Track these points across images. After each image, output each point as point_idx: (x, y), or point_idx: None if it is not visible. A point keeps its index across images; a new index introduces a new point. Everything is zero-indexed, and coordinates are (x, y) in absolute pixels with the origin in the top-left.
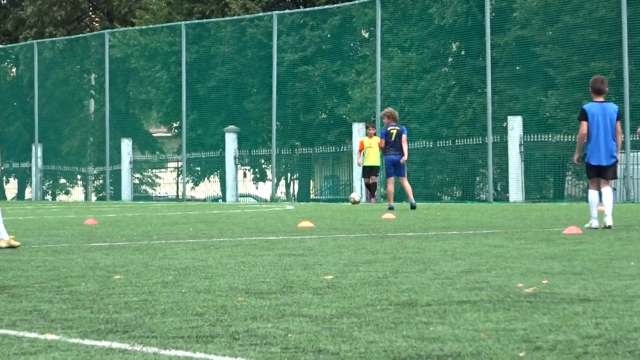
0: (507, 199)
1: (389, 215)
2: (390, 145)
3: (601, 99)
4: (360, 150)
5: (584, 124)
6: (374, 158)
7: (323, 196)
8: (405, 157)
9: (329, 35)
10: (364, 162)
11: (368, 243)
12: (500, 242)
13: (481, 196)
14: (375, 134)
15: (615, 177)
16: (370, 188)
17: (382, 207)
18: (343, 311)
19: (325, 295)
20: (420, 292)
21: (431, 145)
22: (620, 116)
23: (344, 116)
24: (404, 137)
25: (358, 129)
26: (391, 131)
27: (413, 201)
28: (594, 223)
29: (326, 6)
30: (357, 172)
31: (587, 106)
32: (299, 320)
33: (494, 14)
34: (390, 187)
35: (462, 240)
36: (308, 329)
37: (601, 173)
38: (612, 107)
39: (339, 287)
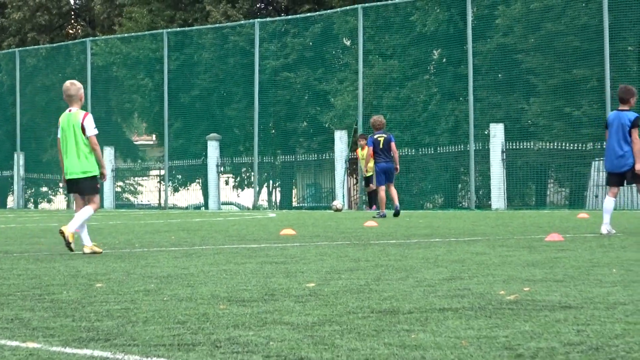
0: (489, 207)
1: (371, 223)
2: (379, 153)
3: (625, 107)
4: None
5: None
6: (370, 169)
7: (305, 204)
8: (397, 165)
9: (310, 43)
10: (365, 171)
11: (350, 251)
12: (482, 250)
13: (463, 203)
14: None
15: (632, 182)
16: (371, 196)
17: (367, 215)
18: (325, 319)
19: (307, 303)
20: (402, 300)
21: (413, 153)
22: (636, 124)
23: (326, 124)
24: (393, 144)
25: (340, 136)
26: (378, 139)
27: (398, 207)
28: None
29: (308, 14)
30: (338, 179)
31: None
32: (280, 328)
33: (475, 22)
34: (382, 194)
35: (444, 247)
36: (290, 337)
37: (615, 179)
38: (627, 115)
39: (320, 294)
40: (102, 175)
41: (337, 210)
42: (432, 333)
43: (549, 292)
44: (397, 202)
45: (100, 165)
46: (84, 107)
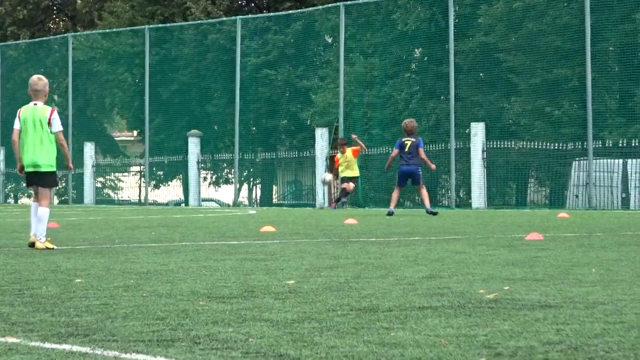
0: (469, 205)
1: (351, 221)
2: (402, 156)
3: None
4: (337, 167)
5: None
6: (352, 170)
7: (286, 201)
8: (432, 166)
9: (292, 40)
10: (341, 173)
11: (330, 248)
12: (462, 248)
13: (444, 202)
14: (347, 147)
15: None
16: (344, 194)
17: (344, 213)
18: (304, 316)
19: (287, 300)
20: (381, 298)
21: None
22: None
23: (307, 121)
24: (421, 150)
25: (321, 134)
26: (406, 142)
27: (429, 208)
28: None
29: (290, 11)
30: (318, 176)
31: None
32: (260, 325)
33: (457, 20)
34: (396, 195)
35: (424, 246)
36: (269, 334)
37: None
38: None
39: (300, 292)
40: (69, 167)
41: (326, 183)
42: (412, 331)
43: (528, 291)
44: (427, 203)
45: (67, 158)
46: (64, 102)
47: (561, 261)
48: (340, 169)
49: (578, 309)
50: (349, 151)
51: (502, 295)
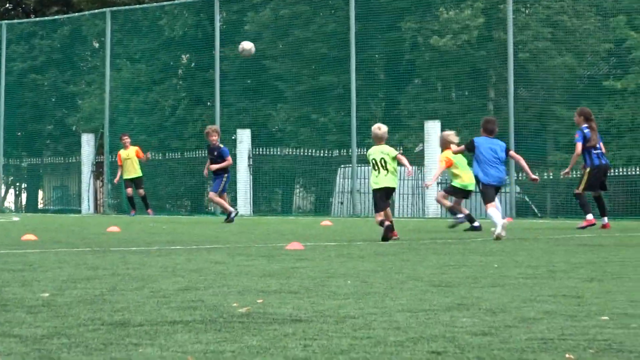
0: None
1: (114, 229)
2: None
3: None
4: (120, 166)
5: None
6: (133, 170)
7: (52, 207)
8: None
9: (59, 45)
10: (123, 175)
11: (90, 258)
12: (221, 258)
13: (210, 209)
14: (130, 144)
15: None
16: (131, 201)
17: (108, 220)
18: (55, 331)
19: (39, 314)
20: (134, 312)
21: (160, 157)
22: None
23: (73, 127)
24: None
25: (87, 139)
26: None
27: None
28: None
29: (57, 16)
30: (84, 182)
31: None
32: (8, 341)
33: (224, 27)
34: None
35: (185, 255)
36: (17, 350)
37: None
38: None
39: (53, 305)
40: None
41: (244, 50)
42: (160, 347)
43: (281, 304)
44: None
45: None
46: None
47: (318, 272)
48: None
49: (328, 323)
50: (132, 149)
51: (255, 308)
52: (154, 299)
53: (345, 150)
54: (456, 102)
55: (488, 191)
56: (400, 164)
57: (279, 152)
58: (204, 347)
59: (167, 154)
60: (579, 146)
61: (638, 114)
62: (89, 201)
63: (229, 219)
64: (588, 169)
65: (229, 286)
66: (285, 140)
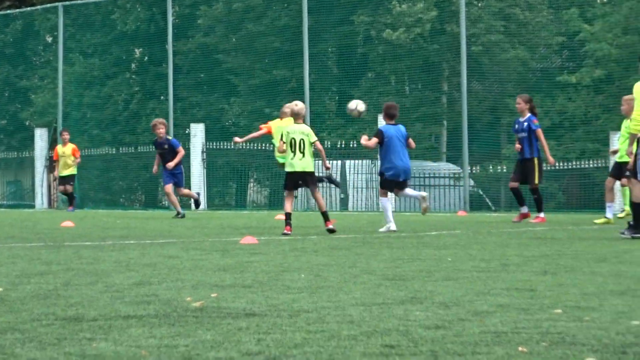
0: (189, 207)
1: (68, 223)
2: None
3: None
4: (56, 160)
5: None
6: (67, 167)
7: (6, 202)
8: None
9: (11, 40)
10: (59, 173)
11: (44, 253)
12: (175, 253)
13: (164, 203)
14: (69, 141)
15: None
16: (69, 197)
17: (61, 215)
18: (8, 326)
19: None
20: (88, 306)
21: (114, 152)
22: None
23: (27, 121)
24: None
25: (40, 134)
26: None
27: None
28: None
29: (9, 11)
30: (38, 176)
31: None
32: None
33: (177, 21)
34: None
35: (139, 250)
36: None
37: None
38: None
39: (7, 300)
40: None
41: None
42: (114, 342)
43: (235, 298)
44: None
45: None
46: None
47: (272, 266)
48: (59, 162)
49: (282, 317)
50: (70, 146)
51: (208, 303)
52: (108, 294)
53: None
54: (409, 96)
55: (389, 185)
56: (318, 154)
57: (233, 146)
58: (157, 341)
59: (120, 149)
60: (541, 132)
61: (591, 107)
62: (42, 196)
63: (180, 216)
64: (535, 160)
65: (182, 280)
66: (239, 134)
